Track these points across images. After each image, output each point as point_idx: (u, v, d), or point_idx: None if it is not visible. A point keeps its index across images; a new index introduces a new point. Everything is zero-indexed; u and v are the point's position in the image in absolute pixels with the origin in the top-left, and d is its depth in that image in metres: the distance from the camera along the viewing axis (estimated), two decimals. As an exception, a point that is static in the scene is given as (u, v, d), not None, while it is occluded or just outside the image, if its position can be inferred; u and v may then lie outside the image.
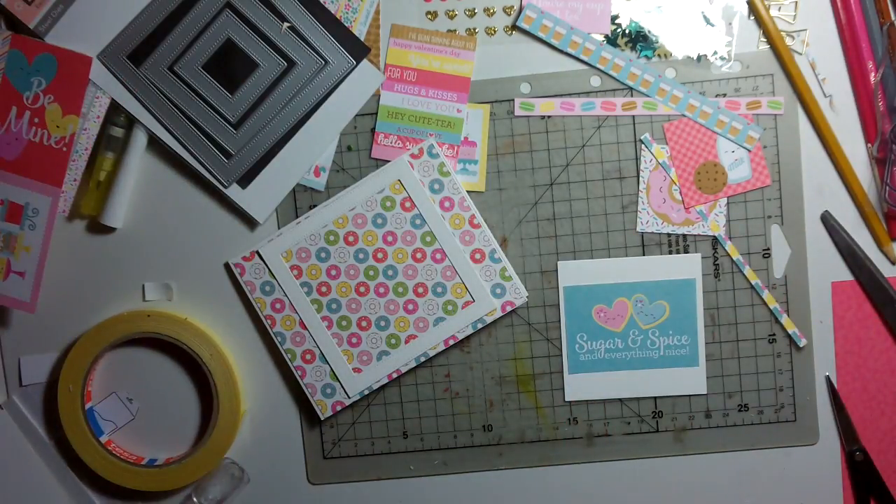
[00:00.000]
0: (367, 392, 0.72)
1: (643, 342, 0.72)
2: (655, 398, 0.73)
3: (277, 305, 0.72)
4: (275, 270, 0.72)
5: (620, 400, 0.73)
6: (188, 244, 0.74)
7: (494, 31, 0.71)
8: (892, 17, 0.68)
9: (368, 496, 0.75)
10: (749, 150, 0.71)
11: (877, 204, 0.71)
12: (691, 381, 0.72)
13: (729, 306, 0.72)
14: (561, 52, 0.71)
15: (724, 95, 0.71)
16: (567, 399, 0.73)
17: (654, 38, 0.71)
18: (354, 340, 0.72)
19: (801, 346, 0.72)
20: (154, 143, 0.72)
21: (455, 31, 0.71)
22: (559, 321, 0.73)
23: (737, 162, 0.71)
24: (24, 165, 0.70)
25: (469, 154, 0.72)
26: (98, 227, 0.74)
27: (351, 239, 0.71)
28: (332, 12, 0.70)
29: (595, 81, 0.71)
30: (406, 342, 0.72)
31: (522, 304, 0.72)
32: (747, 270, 0.72)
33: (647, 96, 0.71)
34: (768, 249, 0.72)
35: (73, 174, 0.72)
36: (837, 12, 0.70)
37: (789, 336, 0.72)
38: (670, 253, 0.72)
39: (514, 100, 0.71)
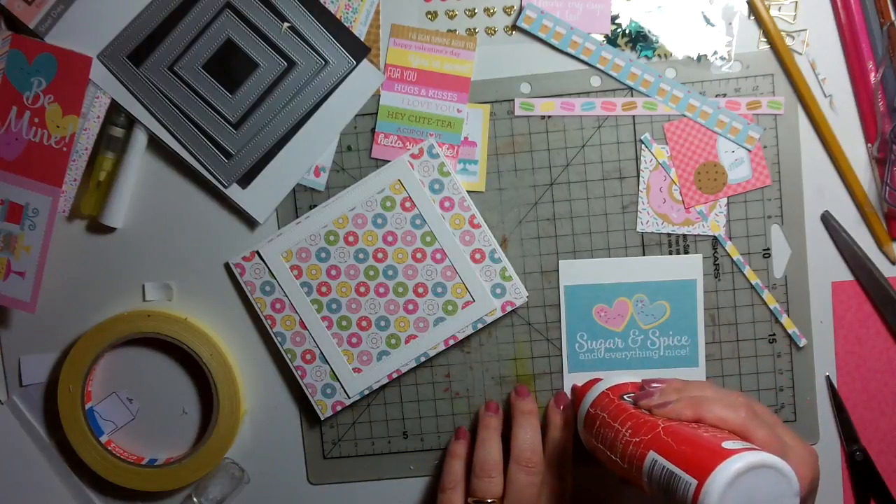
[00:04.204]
0: (367, 392, 0.72)
1: (643, 342, 0.72)
2: (655, 398, 0.73)
3: (277, 305, 0.72)
4: (275, 270, 0.72)
5: (620, 400, 0.73)
6: (188, 244, 0.74)
7: (494, 31, 0.71)
8: (892, 17, 0.68)
9: (368, 496, 0.75)
10: (749, 150, 0.71)
11: (877, 204, 0.71)
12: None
13: (729, 306, 0.72)
14: (561, 52, 0.71)
15: (724, 95, 0.71)
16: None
17: (654, 38, 0.71)
18: (354, 340, 0.72)
19: (801, 346, 0.72)
20: (154, 143, 0.72)
21: (455, 31, 0.71)
22: (559, 321, 0.73)
23: (737, 162, 0.71)
24: (24, 165, 0.70)
25: (469, 154, 0.72)
26: (98, 227, 0.74)
27: (351, 239, 0.71)
28: (332, 12, 0.70)
29: (595, 81, 0.71)
30: (406, 342, 0.72)
31: (522, 304, 0.72)
32: (747, 270, 0.72)
33: (647, 96, 0.71)
34: (768, 249, 0.72)
35: (73, 174, 0.72)
36: (837, 12, 0.70)
37: (789, 336, 0.72)
38: (670, 253, 0.72)
39: (514, 100, 0.71)
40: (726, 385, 0.72)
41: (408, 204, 0.71)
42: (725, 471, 0.45)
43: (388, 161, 0.72)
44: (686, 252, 0.72)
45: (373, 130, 0.72)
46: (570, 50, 0.70)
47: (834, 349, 0.72)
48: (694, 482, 0.46)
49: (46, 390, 0.75)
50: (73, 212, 0.73)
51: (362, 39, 0.71)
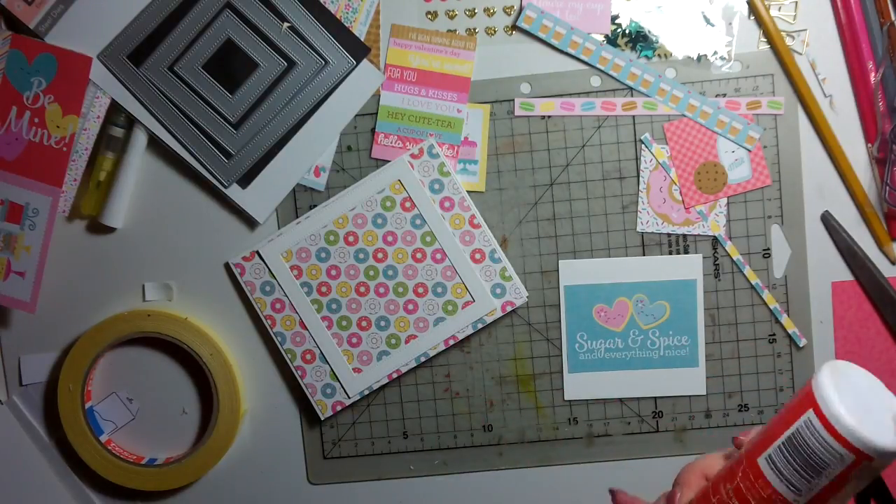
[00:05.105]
0: (367, 392, 0.72)
1: (643, 342, 0.72)
2: (655, 398, 0.73)
3: (277, 305, 0.72)
4: (275, 270, 0.72)
5: (620, 400, 0.73)
6: (188, 244, 0.74)
7: (494, 31, 0.71)
8: (892, 17, 0.68)
9: (368, 496, 0.75)
10: (749, 150, 0.71)
11: (877, 204, 0.71)
12: (691, 381, 0.72)
13: (729, 306, 0.72)
14: (561, 52, 0.71)
15: (724, 95, 0.71)
16: (566, 398, 0.73)
17: (654, 38, 0.71)
18: (354, 340, 0.72)
19: (801, 346, 0.72)
20: (154, 143, 0.72)
21: (455, 31, 0.71)
22: (559, 321, 0.73)
23: (737, 162, 0.71)
24: (24, 165, 0.70)
25: (469, 154, 0.72)
26: (98, 227, 0.74)
27: (351, 239, 0.71)
28: (332, 12, 0.70)
29: (595, 81, 0.71)
30: (406, 342, 0.72)
31: (522, 304, 0.72)
32: (747, 270, 0.72)
33: (647, 96, 0.71)
34: (768, 249, 0.72)
35: (73, 174, 0.72)
36: (837, 12, 0.70)
37: (789, 336, 0.72)
38: (670, 253, 0.72)
39: (514, 100, 0.71)
40: (726, 384, 0.72)
41: (408, 204, 0.71)
42: (821, 380, 0.43)
43: (388, 161, 0.72)
44: (686, 252, 0.72)
45: (373, 130, 0.72)
46: (570, 50, 0.70)
47: (834, 349, 0.72)
48: (811, 414, 0.44)
49: (46, 390, 0.75)
50: (73, 212, 0.73)
51: (362, 39, 0.71)
